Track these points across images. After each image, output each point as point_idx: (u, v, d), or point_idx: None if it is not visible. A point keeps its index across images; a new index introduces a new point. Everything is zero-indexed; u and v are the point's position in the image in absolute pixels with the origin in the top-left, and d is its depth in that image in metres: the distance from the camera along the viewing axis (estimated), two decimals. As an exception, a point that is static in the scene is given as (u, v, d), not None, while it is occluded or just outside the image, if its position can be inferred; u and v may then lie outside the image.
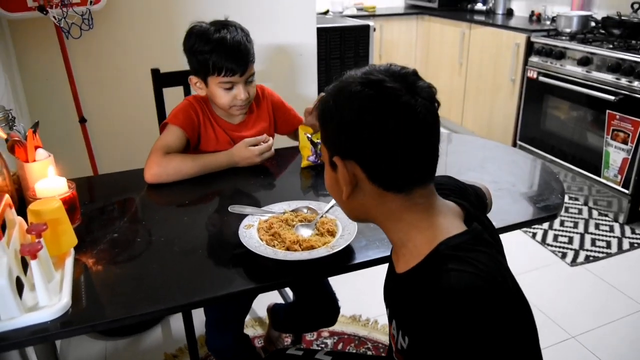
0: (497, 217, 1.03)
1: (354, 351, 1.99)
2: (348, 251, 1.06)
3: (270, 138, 1.53)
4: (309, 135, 1.49)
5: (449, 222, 0.81)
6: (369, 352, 1.96)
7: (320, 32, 2.60)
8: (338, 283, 1.67)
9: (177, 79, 1.83)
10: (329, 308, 1.65)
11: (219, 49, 1.39)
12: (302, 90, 2.55)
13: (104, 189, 1.46)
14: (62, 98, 2.09)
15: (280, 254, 1.01)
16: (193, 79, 1.51)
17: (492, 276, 0.73)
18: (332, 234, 1.09)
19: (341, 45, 2.76)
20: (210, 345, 1.56)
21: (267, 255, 1.01)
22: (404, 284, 0.81)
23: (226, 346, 1.54)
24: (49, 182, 1.16)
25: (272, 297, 2.03)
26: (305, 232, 1.10)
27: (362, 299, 2.23)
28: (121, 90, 2.27)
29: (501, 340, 0.70)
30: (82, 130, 2.06)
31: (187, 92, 1.84)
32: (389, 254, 1.05)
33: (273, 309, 1.89)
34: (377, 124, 0.74)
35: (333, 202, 1.20)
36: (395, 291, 0.85)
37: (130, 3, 2.15)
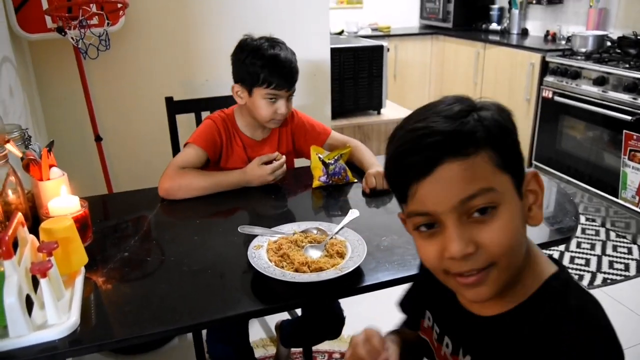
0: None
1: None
2: (357, 273, 1.05)
3: (283, 156, 1.54)
4: (321, 156, 1.50)
5: (543, 255, 0.75)
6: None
7: (334, 52, 2.62)
8: (347, 303, 1.65)
9: (190, 106, 1.90)
10: (335, 319, 1.66)
11: (272, 64, 1.48)
12: (316, 110, 2.56)
13: (117, 207, 1.47)
14: (78, 117, 2.12)
15: (288, 275, 1.01)
16: (235, 88, 1.56)
17: (604, 312, 0.69)
18: (341, 255, 1.09)
19: (355, 65, 2.77)
20: (211, 354, 1.55)
21: (275, 277, 1.00)
22: (500, 324, 0.73)
23: (227, 356, 1.54)
24: (62, 201, 1.17)
25: (280, 315, 2.03)
26: (314, 254, 1.09)
27: (372, 319, 2.20)
28: (136, 110, 2.31)
29: None
30: (98, 149, 2.08)
31: (198, 118, 1.88)
32: (399, 276, 1.05)
33: (281, 326, 1.90)
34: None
35: (343, 223, 1.20)
36: (485, 334, 0.75)
37: (146, 24, 2.19)
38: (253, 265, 1.03)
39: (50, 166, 1.26)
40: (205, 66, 2.33)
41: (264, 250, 1.09)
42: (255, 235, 1.15)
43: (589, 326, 0.66)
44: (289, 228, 1.19)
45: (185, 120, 1.90)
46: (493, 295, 0.68)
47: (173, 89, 1.87)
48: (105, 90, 2.21)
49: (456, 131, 0.64)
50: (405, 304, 0.99)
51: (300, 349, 2.02)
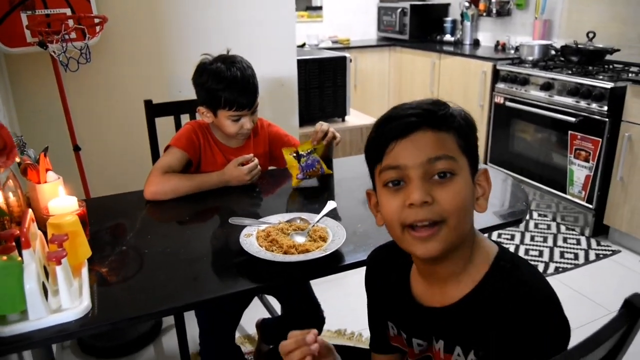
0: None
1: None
2: (339, 254, 1.18)
3: (256, 158, 1.64)
4: (294, 153, 1.60)
5: (485, 238, 0.87)
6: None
7: (300, 63, 2.76)
8: (323, 299, 1.78)
9: (168, 109, 1.97)
10: (314, 318, 1.75)
11: (231, 87, 1.55)
12: (284, 118, 2.69)
13: (105, 210, 1.55)
14: (56, 127, 2.18)
15: (278, 257, 1.13)
16: (201, 109, 1.64)
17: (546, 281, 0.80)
18: (323, 239, 1.22)
19: (320, 75, 2.92)
20: (203, 354, 1.64)
21: (267, 258, 1.12)
22: (464, 309, 0.82)
23: (218, 355, 1.63)
24: (61, 201, 1.26)
25: (260, 313, 2.12)
26: (300, 239, 1.22)
27: (346, 314, 2.33)
28: (113, 120, 2.39)
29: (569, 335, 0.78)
30: (76, 158, 2.15)
31: (177, 121, 1.97)
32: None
33: (262, 324, 1.98)
34: None
35: (323, 212, 1.33)
36: (450, 321, 0.84)
37: (122, 38, 2.29)
38: (246, 250, 1.15)
39: (46, 170, 1.35)
40: (178, 78, 2.43)
41: (254, 238, 1.21)
42: (245, 226, 1.27)
43: (542, 298, 0.77)
44: (274, 219, 1.31)
45: (164, 125, 1.98)
46: (441, 251, 0.79)
47: (148, 99, 1.96)
48: (82, 101, 2.28)
49: (434, 111, 0.80)
50: (373, 337, 1.06)
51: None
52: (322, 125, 1.66)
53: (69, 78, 2.14)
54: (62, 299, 1.01)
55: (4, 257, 0.96)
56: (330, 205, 1.36)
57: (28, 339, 0.95)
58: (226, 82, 1.55)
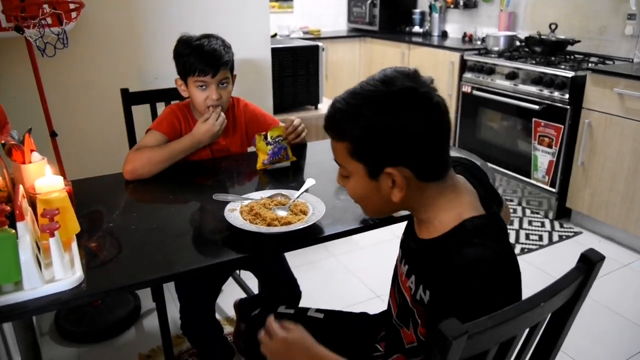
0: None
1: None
2: (319, 227, 1.25)
3: (219, 108, 1.67)
4: (265, 136, 1.63)
5: (472, 202, 0.94)
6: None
7: (274, 51, 2.80)
8: (302, 281, 1.85)
9: (145, 97, 2.00)
10: (291, 292, 1.82)
11: (196, 52, 1.61)
12: (258, 105, 2.72)
13: (87, 191, 1.56)
14: (32, 113, 2.18)
15: (262, 229, 1.19)
16: (178, 81, 1.70)
17: (504, 257, 0.87)
18: (304, 213, 1.28)
19: (293, 64, 2.97)
20: (184, 328, 1.69)
21: (251, 230, 1.18)
22: (427, 249, 0.94)
23: (200, 329, 1.68)
24: (48, 180, 1.29)
25: (236, 294, 2.18)
26: (282, 213, 1.28)
27: (323, 295, 2.40)
28: (90, 106, 2.40)
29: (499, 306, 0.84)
30: (53, 144, 2.15)
31: (153, 110, 2.00)
32: (352, 227, 1.25)
33: (240, 304, 2.03)
34: (421, 126, 0.86)
35: (304, 187, 1.39)
36: (418, 253, 0.98)
37: (98, 23, 2.30)
38: (231, 223, 1.21)
39: (31, 151, 1.37)
40: (153, 65, 2.45)
41: (238, 212, 1.27)
42: (228, 202, 1.32)
43: (473, 265, 0.83)
44: (256, 195, 1.37)
45: (140, 114, 2.02)
46: (371, 217, 1.14)
47: (124, 85, 1.98)
48: (58, 87, 2.28)
49: (330, 122, 0.95)
50: None
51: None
52: (298, 122, 1.73)
53: (44, 64, 2.13)
54: (56, 270, 1.05)
55: (-2, 230, 1.00)
56: (310, 182, 1.42)
57: (23, 308, 0.98)
58: (193, 47, 1.62)
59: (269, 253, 1.14)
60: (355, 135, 0.89)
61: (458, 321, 0.65)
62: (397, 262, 1.11)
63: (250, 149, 1.81)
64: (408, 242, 1.04)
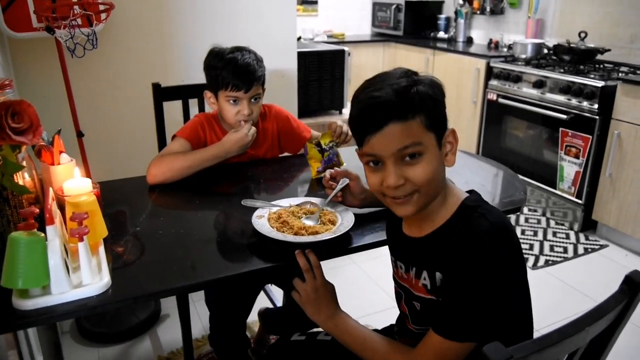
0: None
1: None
2: (347, 237, 1.23)
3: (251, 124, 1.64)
4: (317, 146, 1.62)
5: (459, 190, 1.02)
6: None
7: (300, 56, 2.79)
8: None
9: (177, 93, 1.97)
10: None
11: (229, 67, 1.58)
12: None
13: (114, 193, 1.56)
14: (59, 113, 2.19)
15: (289, 237, 1.17)
16: (207, 94, 1.68)
17: (506, 220, 0.95)
18: (333, 223, 1.26)
19: (319, 68, 2.96)
20: (212, 342, 1.68)
21: (278, 238, 1.16)
22: (434, 239, 0.99)
23: (226, 343, 1.67)
24: (76, 182, 1.29)
25: (262, 303, 2.16)
26: (310, 222, 1.26)
27: (343, 302, 2.37)
28: (117, 107, 2.41)
29: (519, 270, 0.95)
30: (79, 144, 2.17)
31: (185, 105, 1.98)
32: (381, 239, 1.23)
33: (264, 313, 2.02)
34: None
35: (338, 187, 1.35)
36: (422, 249, 1.02)
37: (127, 25, 2.31)
38: (258, 230, 1.19)
39: (60, 152, 1.38)
40: (181, 68, 2.46)
41: (266, 219, 1.25)
42: (257, 208, 1.31)
43: (484, 237, 0.90)
44: (285, 202, 1.35)
45: (171, 111, 2.00)
46: (414, 212, 0.97)
47: (151, 88, 1.98)
48: (85, 87, 2.30)
49: (400, 103, 0.90)
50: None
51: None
52: (342, 124, 1.69)
53: (72, 64, 2.15)
54: (83, 275, 1.04)
55: (27, 233, 0.99)
56: (344, 182, 1.39)
57: (50, 312, 0.98)
58: (226, 61, 1.59)
59: (295, 263, 1.12)
60: (428, 105, 0.92)
61: (502, 345, 0.63)
62: (395, 279, 1.14)
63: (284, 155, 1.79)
64: (405, 250, 1.07)
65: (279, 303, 2.17)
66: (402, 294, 1.10)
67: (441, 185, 0.98)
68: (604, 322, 0.76)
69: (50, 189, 1.10)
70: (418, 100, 0.91)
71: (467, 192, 1.03)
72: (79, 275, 1.05)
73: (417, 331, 1.09)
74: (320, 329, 1.29)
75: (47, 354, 1.74)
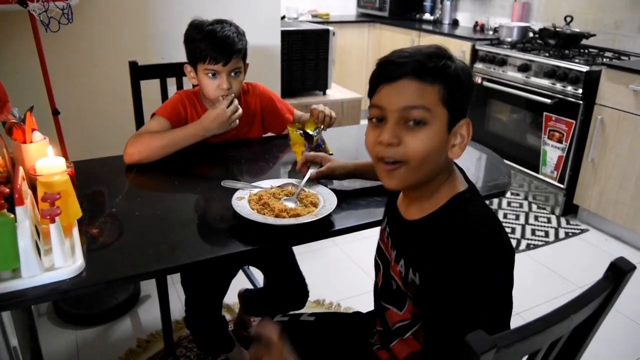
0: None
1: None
2: (329, 220, 1.20)
3: (233, 95, 1.58)
4: (301, 131, 1.58)
5: (461, 179, 0.97)
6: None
7: (284, 34, 2.74)
8: (303, 269, 1.79)
9: (154, 71, 1.91)
10: (298, 292, 1.76)
11: (207, 39, 1.52)
12: (266, 89, 2.68)
13: (90, 173, 1.51)
14: (34, 90, 2.13)
15: (270, 220, 1.14)
16: (187, 67, 1.62)
17: (499, 223, 0.91)
18: (314, 205, 1.24)
19: (303, 48, 2.91)
20: (188, 323, 1.65)
21: (258, 221, 1.13)
22: (418, 229, 0.94)
23: (203, 325, 1.64)
24: (49, 161, 1.24)
25: (242, 284, 2.14)
26: (291, 204, 1.23)
27: (324, 284, 2.37)
28: (95, 84, 2.34)
29: (506, 278, 0.88)
30: (55, 122, 2.10)
31: (163, 84, 1.92)
32: (365, 222, 1.20)
33: (244, 294, 2.00)
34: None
35: (308, 175, 1.34)
36: (406, 235, 0.98)
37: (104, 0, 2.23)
38: (238, 212, 1.16)
39: (32, 130, 1.32)
40: (160, 45, 2.39)
41: (246, 201, 1.22)
42: (237, 189, 1.27)
43: (477, 229, 0.86)
44: (266, 184, 1.32)
45: (149, 90, 1.94)
46: (400, 186, 0.93)
47: (133, 60, 1.91)
48: (61, 63, 2.23)
49: (424, 63, 0.86)
50: None
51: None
52: (324, 109, 1.65)
53: (48, 39, 2.08)
54: (55, 257, 1.00)
55: (-4, 214, 0.95)
56: (314, 167, 1.37)
57: (21, 297, 0.94)
58: (204, 33, 1.53)
59: (275, 245, 1.09)
60: (451, 81, 0.87)
61: (485, 334, 0.61)
62: (379, 247, 1.10)
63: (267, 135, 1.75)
64: (394, 227, 1.04)
65: (259, 284, 2.16)
66: (381, 266, 1.08)
67: (434, 170, 0.91)
68: (588, 309, 0.75)
69: (21, 168, 1.06)
70: (442, 70, 0.86)
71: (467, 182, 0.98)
72: (51, 258, 1.01)
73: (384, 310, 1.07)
74: (304, 311, 1.27)
75: (21, 337, 1.70)
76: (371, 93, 0.92)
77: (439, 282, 0.84)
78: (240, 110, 1.58)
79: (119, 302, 2.19)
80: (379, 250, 1.11)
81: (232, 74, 1.57)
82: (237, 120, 1.57)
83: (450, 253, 0.84)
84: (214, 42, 1.52)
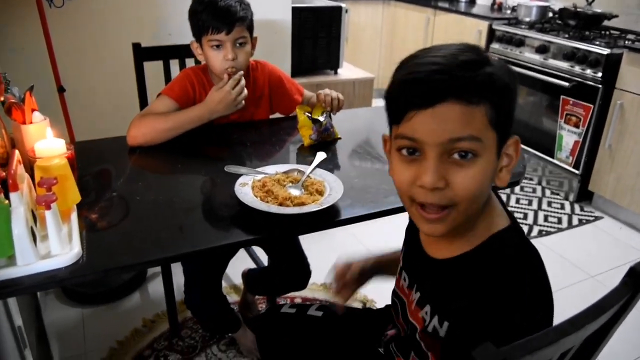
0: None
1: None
2: (335, 208, 1.16)
3: (242, 72, 1.53)
4: (309, 114, 1.53)
5: (500, 210, 0.82)
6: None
7: (295, 11, 2.66)
8: (309, 252, 1.77)
9: (158, 53, 1.86)
10: (301, 272, 1.75)
11: (209, 8, 1.47)
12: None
13: (93, 154, 1.48)
14: (39, 67, 2.09)
15: (273, 208, 1.11)
16: (194, 44, 1.57)
17: (542, 264, 0.79)
18: (320, 193, 1.19)
19: (314, 25, 2.84)
20: (188, 302, 1.64)
21: (261, 209, 1.10)
22: (451, 269, 0.80)
23: (203, 304, 1.63)
24: (49, 143, 1.21)
25: (246, 263, 2.12)
26: (295, 191, 1.19)
27: (329, 265, 2.34)
28: (100, 61, 2.30)
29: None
30: (60, 99, 2.07)
31: (166, 66, 1.88)
32: (372, 211, 1.16)
33: (248, 274, 1.98)
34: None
35: (314, 164, 1.30)
36: (435, 276, 0.84)
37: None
38: (241, 199, 1.12)
39: (32, 110, 1.29)
40: (168, 20, 2.33)
41: (249, 188, 1.18)
42: (241, 175, 1.23)
43: (518, 279, 0.74)
44: (271, 169, 1.28)
45: (153, 70, 1.90)
46: (446, 233, 0.76)
47: (136, 41, 1.86)
48: (67, 40, 2.18)
49: (467, 78, 0.68)
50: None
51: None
52: (330, 92, 1.60)
53: (53, 15, 2.03)
54: (52, 245, 0.98)
55: (-10, 200, 0.92)
56: (320, 156, 1.33)
57: (16, 285, 0.92)
58: (205, 3, 1.49)
59: (279, 235, 1.06)
60: (499, 94, 0.71)
61: (492, 346, 0.57)
62: (399, 286, 0.98)
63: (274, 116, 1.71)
64: (418, 266, 0.90)
65: (263, 264, 2.14)
66: (399, 308, 0.96)
67: (481, 205, 0.77)
68: (604, 318, 0.70)
69: (17, 151, 1.02)
70: (488, 83, 0.69)
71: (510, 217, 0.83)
72: (48, 245, 0.99)
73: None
74: (311, 303, 1.24)
75: (26, 317, 1.70)
76: (397, 118, 0.74)
77: (475, 336, 0.71)
78: (245, 92, 1.53)
79: (125, 280, 2.18)
80: (394, 292, 1.00)
81: (238, 44, 1.52)
82: (243, 102, 1.53)
83: (491, 303, 0.71)
84: (215, 12, 1.47)
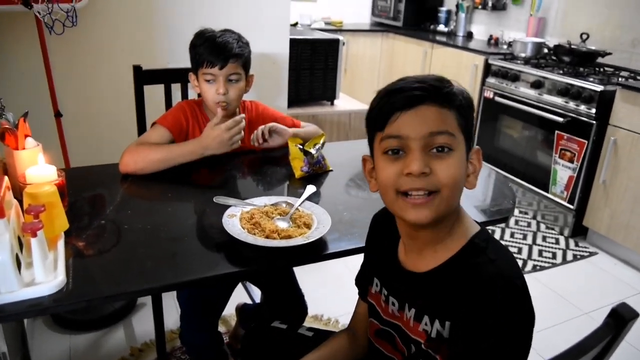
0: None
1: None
2: (323, 242, 1.16)
3: (242, 115, 1.57)
4: (301, 146, 1.54)
5: (469, 217, 0.92)
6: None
7: (292, 42, 2.71)
8: (301, 283, 1.76)
9: (158, 76, 1.87)
10: (297, 308, 1.72)
11: (206, 43, 1.52)
12: (273, 97, 2.65)
13: (85, 180, 1.49)
14: (37, 92, 2.12)
15: (260, 241, 1.11)
16: (191, 76, 1.62)
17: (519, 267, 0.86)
18: (308, 226, 1.19)
19: (312, 57, 2.88)
20: (183, 338, 1.61)
21: (247, 242, 1.10)
22: (440, 277, 0.87)
23: (199, 341, 1.60)
24: (40, 169, 1.21)
25: (241, 297, 2.10)
26: (282, 224, 1.19)
27: (323, 299, 2.32)
28: (98, 87, 2.32)
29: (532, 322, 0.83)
30: (57, 125, 2.09)
31: (167, 90, 1.89)
32: (360, 245, 1.16)
33: (242, 309, 1.96)
34: None
35: (303, 197, 1.31)
36: (425, 288, 0.89)
37: (110, 3, 2.21)
38: (228, 231, 1.12)
39: (25, 136, 1.30)
40: (167, 50, 2.37)
41: (237, 219, 1.18)
42: (229, 206, 1.24)
43: (502, 278, 0.81)
44: (260, 201, 1.28)
45: (153, 95, 1.92)
46: (432, 218, 0.84)
47: (137, 64, 1.89)
48: (65, 66, 2.21)
49: (440, 88, 0.83)
50: (358, 279, 1.15)
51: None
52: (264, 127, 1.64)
53: (52, 41, 2.07)
54: (36, 272, 0.97)
55: (-24, 226, 0.92)
56: (310, 189, 1.34)
57: (1, 312, 0.91)
58: (204, 38, 1.54)
59: (265, 268, 1.06)
60: (463, 105, 0.86)
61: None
62: (388, 314, 0.99)
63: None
64: (403, 286, 0.95)
65: (258, 299, 2.12)
66: (395, 335, 0.98)
67: (458, 202, 0.88)
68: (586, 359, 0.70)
69: (5, 177, 1.03)
70: (456, 95, 0.85)
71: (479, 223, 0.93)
72: (32, 272, 0.98)
73: None
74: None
75: (11, 343, 1.68)
76: (382, 124, 0.85)
77: (473, 332, 0.79)
78: (242, 134, 1.55)
79: (115, 308, 2.16)
80: (381, 321, 1.01)
81: (229, 79, 1.55)
82: (239, 142, 1.55)
83: (485, 301, 0.79)
84: (212, 47, 1.52)
